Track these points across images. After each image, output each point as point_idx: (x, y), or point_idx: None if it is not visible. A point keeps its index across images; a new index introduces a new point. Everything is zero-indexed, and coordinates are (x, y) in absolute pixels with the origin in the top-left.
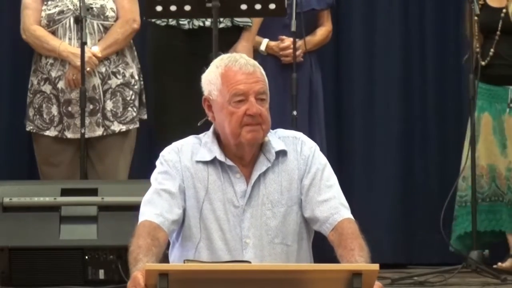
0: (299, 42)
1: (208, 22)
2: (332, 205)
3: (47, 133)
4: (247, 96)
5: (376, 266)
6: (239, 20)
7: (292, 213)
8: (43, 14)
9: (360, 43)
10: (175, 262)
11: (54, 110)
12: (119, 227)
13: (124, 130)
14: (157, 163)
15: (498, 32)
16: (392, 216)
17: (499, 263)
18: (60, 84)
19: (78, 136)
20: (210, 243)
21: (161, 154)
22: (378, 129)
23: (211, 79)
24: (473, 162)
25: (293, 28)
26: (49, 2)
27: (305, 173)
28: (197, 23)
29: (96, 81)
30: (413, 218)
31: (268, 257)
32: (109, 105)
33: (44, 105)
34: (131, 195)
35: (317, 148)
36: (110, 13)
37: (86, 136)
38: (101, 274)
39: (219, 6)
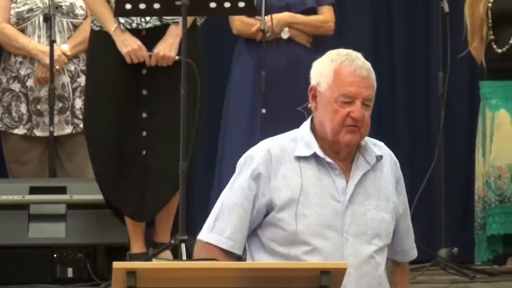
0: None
1: (144, 24)
2: (412, 237)
3: (15, 131)
4: (355, 99)
5: (344, 265)
6: (168, 18)
7: (389, 217)
8: (12, 12)
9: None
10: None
11: (23, 108)
12: (87, 225)
13: None
14: (242, 164)
15: None
16: None
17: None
18: (29, 82)
19: (47, 134)
20: (308, 238)
21: (250, 154)
22: None
23: (322, 71)
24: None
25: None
26: (18, 0)
27: (397, 185)
28: (129, 25)
29: (65, 79)
30: None
31: (364, 255)
32: (78, 103)
33: (13, 103)
34: (99, 194)
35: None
36: (79, 11)
37: (55, 134)
38: (70, 272)
39: (188, 4)
